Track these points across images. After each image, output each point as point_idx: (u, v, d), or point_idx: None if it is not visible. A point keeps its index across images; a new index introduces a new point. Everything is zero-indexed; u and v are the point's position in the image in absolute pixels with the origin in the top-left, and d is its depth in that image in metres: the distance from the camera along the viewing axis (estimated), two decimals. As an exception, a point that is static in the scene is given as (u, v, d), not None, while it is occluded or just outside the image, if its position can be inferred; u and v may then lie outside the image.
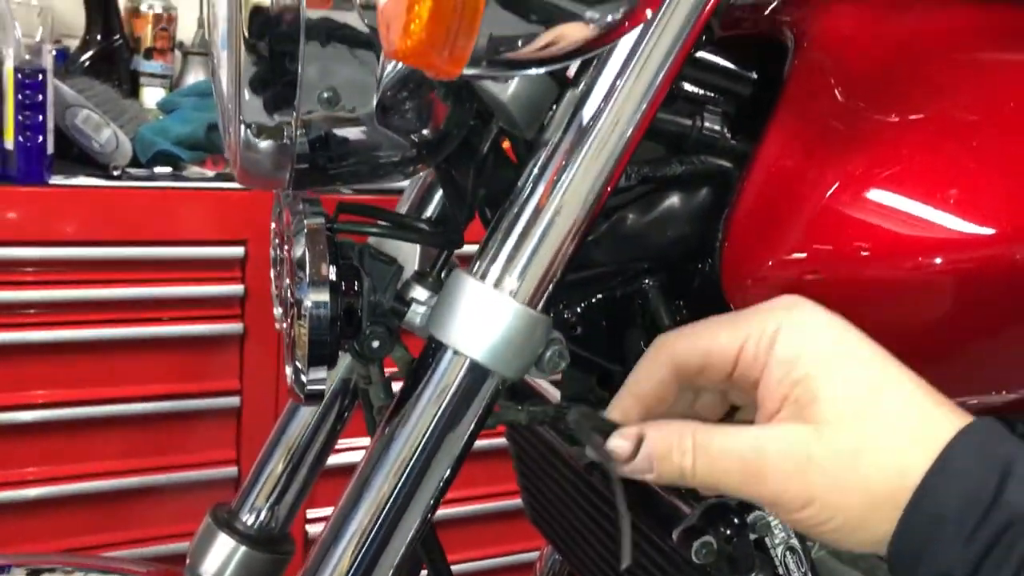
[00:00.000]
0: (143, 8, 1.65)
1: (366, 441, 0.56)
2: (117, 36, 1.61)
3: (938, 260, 0.52)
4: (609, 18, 0.35)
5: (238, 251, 1.38)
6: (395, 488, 0.47)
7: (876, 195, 0.53)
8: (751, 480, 0.41)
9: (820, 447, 0.40)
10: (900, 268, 0.53)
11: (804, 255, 0.54)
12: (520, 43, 0.34)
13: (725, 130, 0.57)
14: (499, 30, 0.33)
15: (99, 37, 1.59)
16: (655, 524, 0.54)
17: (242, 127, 0.48)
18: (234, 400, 1.44)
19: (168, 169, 1.42)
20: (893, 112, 0.55)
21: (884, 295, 0.53)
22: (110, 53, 1.60)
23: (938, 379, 0.57)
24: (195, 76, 1.72)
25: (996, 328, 0.54)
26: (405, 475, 0.47)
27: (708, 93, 0.59)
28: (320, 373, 0.48)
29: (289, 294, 0.49)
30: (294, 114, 0.47)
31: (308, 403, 0.49)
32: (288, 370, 0.51)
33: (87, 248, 1.31)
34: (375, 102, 0.48)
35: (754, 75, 0.60)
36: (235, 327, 1.41)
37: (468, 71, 0.32)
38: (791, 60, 0.57)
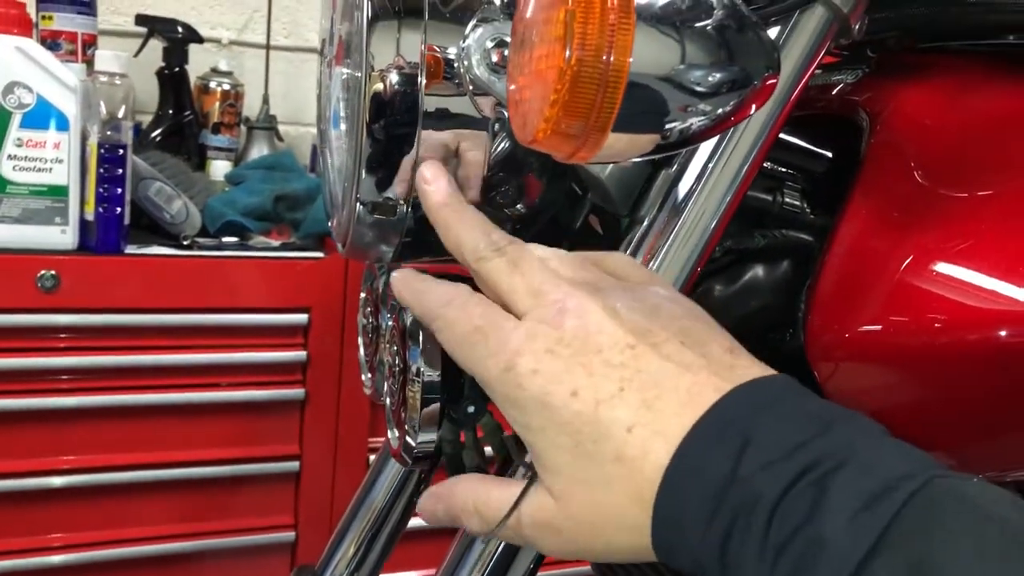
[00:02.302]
0: (212, 85, 1.72)
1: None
2: (188, 112, 1.68)
3: (1008, 332, 0.54)
4: (720, 112, 0.38)
5: (302, 318, 1.42)
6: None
7: (949, 268, 0.55)
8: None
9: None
10: (972, 339, 0.54)
11: (880, 327, 0.56)
12: (639, 134, 0.37)
13: (804, 205, 0.60)
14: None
15: (171, 112, 1.66)
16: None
17: (358, 204, 0.51)
18: (293, 465, 1.47)
19: (235, 239, 1.46)
20: (966, 189, 0.57)
21: (958, 366, 0.55)
22: (180, 128, 1.67)
23: (1006, 451, 0.58)
24: (259, 150, 1.78)
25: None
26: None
27: (786, 170, 0.62)
28: (430, 435, 0.50)
29: (397, 360, 0.52)
30: (407, 192, 0.50)
31: (416, 465, 0.51)
32: (392, 435, 0.53)
33: (157, 315, 1.35)
34: (481, 180, 0.51)
35: (829, 154, 0.63)
36: (297, 392, 1.44)
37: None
38: (867, 140, 0.60)
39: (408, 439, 0.50)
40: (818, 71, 0.70)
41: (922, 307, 0.55)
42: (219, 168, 1.70)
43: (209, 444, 1.43)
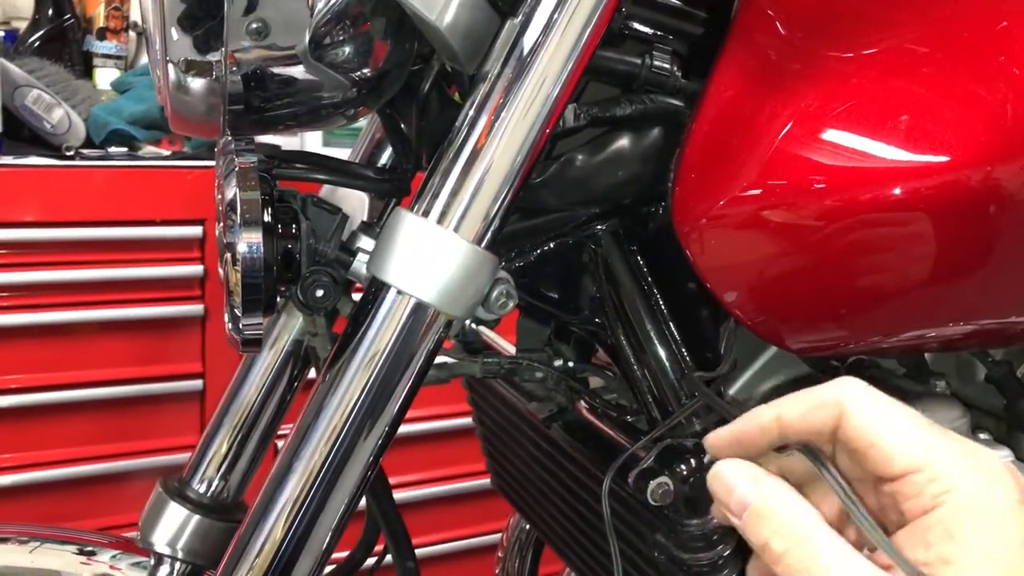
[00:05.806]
0: (94, -13, 1.62)
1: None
2: (68, 16, 1.57)
3: (893, 191, 0.52)
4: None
5: (196, 231, 1.36)
6: (338, 437, 0.46)
7: (830, 130, 0.52)
8: None
9: None
10: (856, 200, 0.52)
11: (759, 191, 0.53)
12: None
13: (675, 68, 0.56)
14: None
15: (49, 16, 1.55)
16: (605, 465, 0.53)
17: (170, 67, 0.46)
18: (197, 383, 1.42)
19: (123, 149, 1.38)
20: (842, 47, 0.54)
21: (841, 228, 0.52)
22: (61, 33, 1.56)
23: (898, 315, 0.57)
24: (150, 57, 1.68)
25: (954, 257, 0.54)
26: (348, 423, 0.46)
27: (658, 32, 0.57)
28: (255, 319, 0.46)
29: (226, 238, 0.48)
30: (223, 49, 0.45)
31: (245, 349, 0.48)
32: (226, 317, 0.49)
33: (41, 229, 1.28)
34: (308, 36, 0.46)
35: (703, 14, 0.59)
36: (196, 308, 1.38)
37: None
38: (739, -3, 0.56)
39: (238, 322, 0.46)
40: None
41: (804, 170, 0.52)
42: (107, 76, 1.60)
43: (107, 364, 1.37)
